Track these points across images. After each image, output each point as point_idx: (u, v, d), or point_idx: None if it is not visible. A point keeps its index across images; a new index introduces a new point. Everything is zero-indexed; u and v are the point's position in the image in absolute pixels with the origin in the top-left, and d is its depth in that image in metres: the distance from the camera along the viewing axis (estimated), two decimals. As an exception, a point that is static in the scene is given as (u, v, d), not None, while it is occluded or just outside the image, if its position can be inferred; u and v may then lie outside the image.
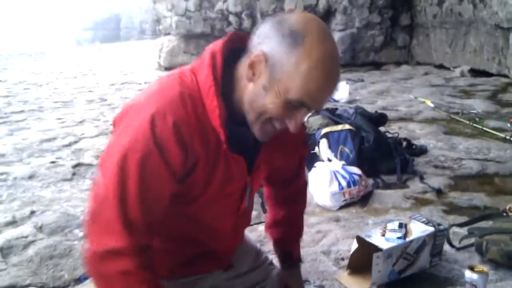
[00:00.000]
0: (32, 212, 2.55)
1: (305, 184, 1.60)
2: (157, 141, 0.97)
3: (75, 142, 3.99)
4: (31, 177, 3.11)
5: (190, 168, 1.05)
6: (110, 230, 0.97)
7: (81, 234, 2.32)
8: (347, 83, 5.59)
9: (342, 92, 5.04)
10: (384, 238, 1.85)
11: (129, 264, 0.98)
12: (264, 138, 1.11)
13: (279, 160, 1.31)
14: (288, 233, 1.56)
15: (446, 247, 2.01)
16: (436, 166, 3.08)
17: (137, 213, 0.98)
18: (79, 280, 1.94)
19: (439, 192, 2.64)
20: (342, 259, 2.00)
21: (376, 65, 8.53)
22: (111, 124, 1.25)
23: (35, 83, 7.83)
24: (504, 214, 2.26)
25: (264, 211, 2.66)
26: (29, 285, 1.91)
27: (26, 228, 2.35)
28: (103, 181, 1.00)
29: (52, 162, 3.41)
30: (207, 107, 1.03)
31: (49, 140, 4.03)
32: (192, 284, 1.34)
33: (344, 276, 1.90)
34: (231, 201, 1.24)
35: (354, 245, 1.90)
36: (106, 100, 6.09)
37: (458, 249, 2.04)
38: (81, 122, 4.78)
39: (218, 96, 1.02)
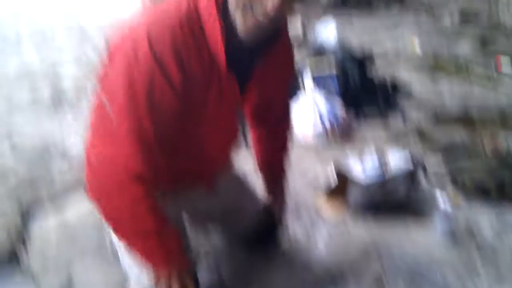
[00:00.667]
0: (11, 144, 2.52)
1: (291, 129, 1.61)
2: (158, 61, 0.98)
3: (54, 71, 3.87)
4: (9, 108, 3.04)
5: (188, 88, 1.06)
6: (124, 152, 1.01)
7: (61, 163, 2.32)
8: (334, 22, 5.44)
9: (330, 31, 4.92)
10: (362, 169, 1.88)
11: (139, 191, 1.04)
12: (248, 34, 1.08)
13: (269, 87, 1.32)
14: (273, 175, 1.62)
15: (423, 181, 2.05)
16: (419, 106, 3.10)
17: (150, 133, 1.02)
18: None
19: (419, 130, 2.67)
20: (319, 186, 2.04)
21: (366, 6, 8.31)
22: (98, 53, 1.21)
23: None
24: (481, 152, 2.31)
25: (246, 145, 2.68)
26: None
27: (5, 159, 2.33)
28: (112, 105, 1.01)
29: (31, 92, 3.33)
30: (207, 29, 1.04)
31: (27, 70, 3.91)
32: (174, 204, 1.36)
33: (320, 201, 1.95)
34: (223, 122, 1.27)
35: (332, 173, 1.93)
36: (85, 28, 5.82)
37: (434, 182, 2.09)
38: (60, 51, 4.61)
39: (219, 18, 1.03)
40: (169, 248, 1.14)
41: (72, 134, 2.59)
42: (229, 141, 1.44)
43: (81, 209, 2.00)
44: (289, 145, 1.61)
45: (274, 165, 1.58)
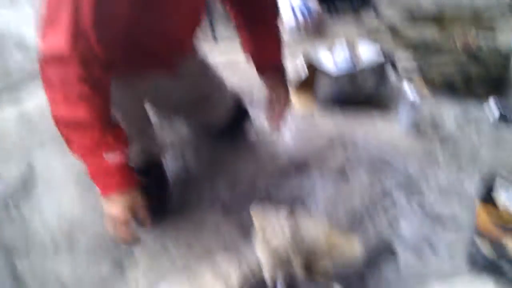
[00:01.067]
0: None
1: (278, 15, 1.48)
2: None
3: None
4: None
5: None
6: (58, 34, 0.96)
7: (18, 54, 2.18)
8: None
9: None
10: (333, 62, 1.84)
11: (69, 71, 0.98)
12: None
13: None
14: (265, 46, 1.47)
15: (392, 75, 2.04)
16: (392, 3, 3.01)
17: (88, 22, 0.96)
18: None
19: (392, 26, 2.61)
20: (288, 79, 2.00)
21: None
22: None
23: None
24: (452, 48, 2.29)
25: (215, 39, 2.56)
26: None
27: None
28: None
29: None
30: None
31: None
32: (136, 84, 1.30)
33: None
34: (185, 3, 1.21)
35: (302, 66, 1.89)
36: None
37: (403, 76, 2.08)
38: None
39: None
40: (110, 152, 1.07)
41: (29, 24, 2.42)
42: (192, 24, 1.36)
43: (39, 100, 1.93)
44: (279, 33, 1.48)
45: (265, 55, 1.46)
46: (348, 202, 1.49)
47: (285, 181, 1.57)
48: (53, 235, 1.39)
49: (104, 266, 1.28)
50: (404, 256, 1.33)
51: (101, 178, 1.08)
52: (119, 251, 1.32)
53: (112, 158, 1.06)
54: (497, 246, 1.24)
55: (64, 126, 1.04)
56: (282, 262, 1.13)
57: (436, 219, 1.44)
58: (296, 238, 1.16)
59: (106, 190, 1.09)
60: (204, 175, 1.60)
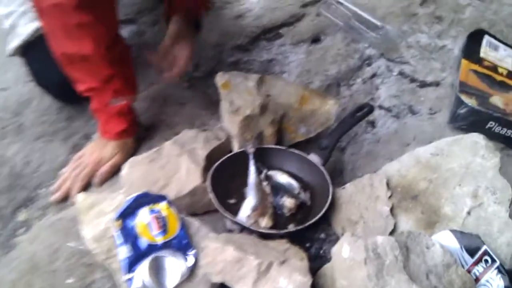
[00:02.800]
0: None
1: None
2: None
3: None
4: None
5: None
6: None
7: None
8: None
9: None
10: None
11: (63, 1, 0.87)
12: None
13: None
14: None
15: None
16: None
17: None
18: None
19: None
20: None
21: None
22: None
23: None
24: None
25: None
26: None
27: None
28: None
29: None
30: None
31: None
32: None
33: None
34: None
35: None
36: None
37: None
38: None
39: None
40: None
41: None
42: None
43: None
44: None
45: None
46: (322, 69, 1.37)
47: (254, 48, 1.42)
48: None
49: (59, 149, 1.16)
50: (383, 120, 1.26)
51: (104, 121, 1.06)
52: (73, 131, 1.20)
53: (119, 102, 1.03)
54: (482, 100, 1.17)
55: (69, 63, 0.97)
56: (251, 130, 1.03)
57: (416, 82, 1.34)
58: (266, 102, 1.05)
59: (106, 134, 1.06)
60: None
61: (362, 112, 1.06)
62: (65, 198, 1.03)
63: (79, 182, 1.03)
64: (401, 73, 1.36)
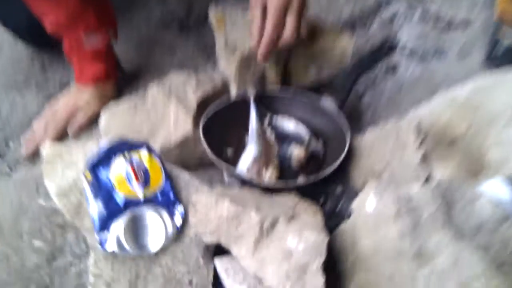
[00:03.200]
0: None
1: None
2: None
3: None
4: None
5: None
6: None
7: None
8: None
9: None
10: None
11: None
12: None
13: None
14: None
15: None
16: None
17: None
18: None
19: None
20: None
21: None
22: None
23: None
24: None
25: None
26: None
27: None
28: None
29: None
30: None
31: None
32: None
33: None
34: None
35: None
36: None
37: None
38: None
39: None
40: None
41: None
42: None
43: None
44: None
45: None
46: (334, 9, 1.19)
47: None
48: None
49: (32, 99, 1.00)
50: (406, 65, 1.09)
51: (79, 64, 0.91)
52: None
53: (93, 41, 0.87)
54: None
55: None
56: (252, 71, 0.87)
57: (442, 22, 1.17)
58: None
59: (82, 79, 0.91)
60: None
61: (382, 51, 0.89)
62: (37, 152, 0.88)
63: (51, 134, 0.88)
64: (425, 13, 1.18)
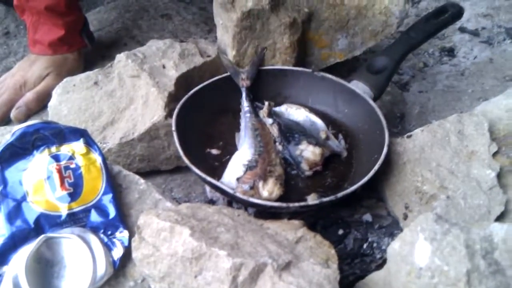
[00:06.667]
0: None
1: None
2: None
3: None
4: None
5: None
6: None
7: None
8: None
9: None
10: None
11: None
12: None
13: None
14: None
15: None
16: None
17: None
18: None
19: None
20: None
21: None
22: None
23: None
24: None
25: None
26: None
27: None
28: None
29: None
30: None
31: None
32: None
33: None
34: None
35: None
36: None
37: None
38: None
39: None
40: None
41: None
42: None
43: None
44: None
45: None
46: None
47: None
48: None
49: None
50: (468, 47, 0.82)
51: (32, 26, 0.70)
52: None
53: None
54: None
55: None
56: (255, 38, 0.63)
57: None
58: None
59: (36, 45, 0.71)
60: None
61: (444, 17, 0.63)
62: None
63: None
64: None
